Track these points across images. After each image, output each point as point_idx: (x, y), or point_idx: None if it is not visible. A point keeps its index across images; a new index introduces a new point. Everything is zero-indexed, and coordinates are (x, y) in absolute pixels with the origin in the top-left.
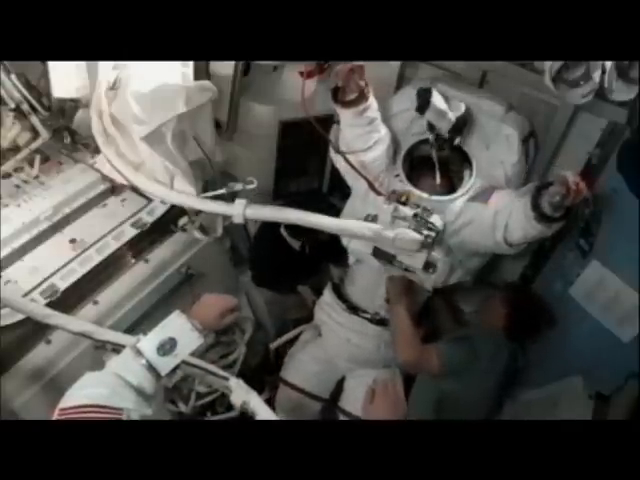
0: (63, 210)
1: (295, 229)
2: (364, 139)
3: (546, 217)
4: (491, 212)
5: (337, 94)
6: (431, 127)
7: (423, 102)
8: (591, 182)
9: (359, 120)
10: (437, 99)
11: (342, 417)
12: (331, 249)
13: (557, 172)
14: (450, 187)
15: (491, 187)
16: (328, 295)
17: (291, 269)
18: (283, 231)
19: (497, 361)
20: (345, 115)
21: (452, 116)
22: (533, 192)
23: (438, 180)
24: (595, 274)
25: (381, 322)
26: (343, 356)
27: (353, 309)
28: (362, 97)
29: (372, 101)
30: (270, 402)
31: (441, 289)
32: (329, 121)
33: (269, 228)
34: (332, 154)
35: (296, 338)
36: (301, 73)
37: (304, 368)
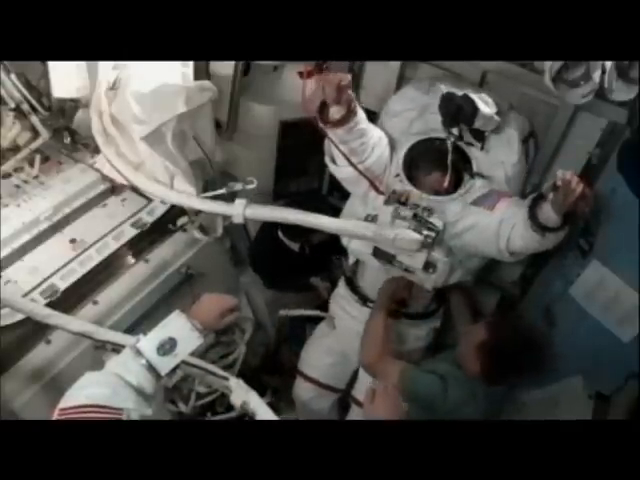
0: (63, 210)
1: (292, 232)
2: (360, 151)
3: (542, 226)
4: (496, 220)
5: (323, 113)
6: (460, 136)
7: (470, 111)
8: (588, 183)
9: (351, 136)
10: (481, 105)
11: (354, 406)
12: (332, 247)
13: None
14: (450, 187)
15: (497, 192)
16: (342, 287)
17: (295, 270)
18: (280, 234)
19: (464, 409)
20: (336, 134)
21: (495, 115)
22: (531, 200)
23: (446, 183)
24: (595, 274)
25: (392, 314)
26: (357, 348)
27: (365, 301)
28: (351, 113)
29: (360, 112)
30: (272, 406)
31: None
32: None
33: (268, 231)
34: (328, 162)
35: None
36: (300, 73)
37: (319, 361)
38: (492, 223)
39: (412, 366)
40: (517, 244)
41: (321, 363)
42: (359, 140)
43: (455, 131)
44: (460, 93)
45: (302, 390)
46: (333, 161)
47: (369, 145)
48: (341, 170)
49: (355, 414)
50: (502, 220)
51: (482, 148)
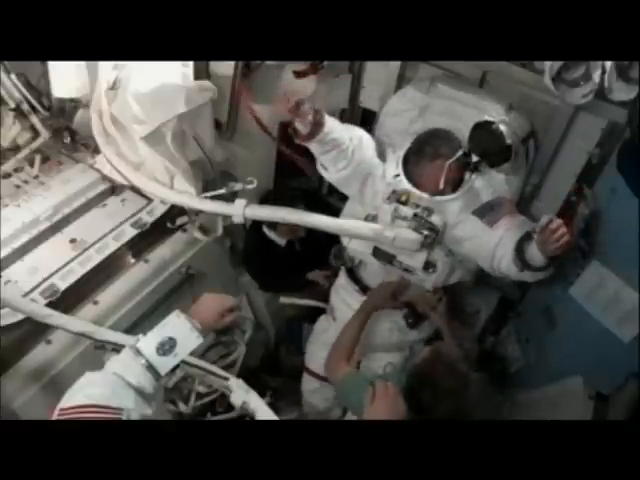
0: (63, 210)
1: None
2: (340, 158)
3: (524, 262)
4: (494, 240)
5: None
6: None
7: (504, 160)
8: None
9: (326, 146)
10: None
11: None
12: (324, 242)
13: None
14: (450, 187)
15: (501, 206)
16: (343, 278)
17: (286, 267)
18: (266, 230)
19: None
20: (311, 146)
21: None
22: (522, 235)
23: (442, 185)
24: (595, 274)
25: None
26: None
27: (365, 291)
28: (318, 126)
29: (330, 123)
30: (272, 406)
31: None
32: None
33: (255, 230)
34: (319, 168)
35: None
36: (295, 73)
37: (321, 355)
38: (490, 242)
39: (355, 371)
40: (503, 267)
41: (323, 357)
42: (335, 150)
43: (474, 158)
44: (508, 139)
45: (307, 384)
46: (324, 167)
47: (348, 152)
48: (331, 175)
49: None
50: (500, 241)
51: (471, 175)
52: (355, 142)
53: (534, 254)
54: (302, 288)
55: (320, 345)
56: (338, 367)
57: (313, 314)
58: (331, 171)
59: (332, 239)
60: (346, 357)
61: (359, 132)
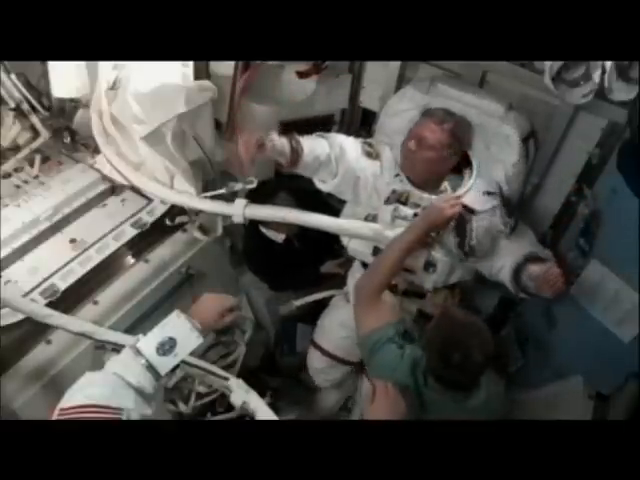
0: (63, 210)
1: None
2: (327, 173)
3: (520, 284)
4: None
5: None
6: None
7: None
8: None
9: (312, 166)
10: None
11: (365, 380)
12: (324, 236)
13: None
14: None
15: None
16: (357, 263)
17: (288, 264)
18: (263, 229)
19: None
20: (299, 171)
21: None
22: (520, 259)
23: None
24: (595, 274)
25: (405, 293)
26: None
27: None
28: (294, 154)
29: (307, 143)
30: (272, 406)
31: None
32: (329, 121)
33: (253, 229)
34: (315, 181)
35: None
36: (298, 73)
37: (333, 333)
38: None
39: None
40: (500, 277)
41: (334, 336)
42: (322, 167)
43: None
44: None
45: (315, 361)
46: (321, 181)
47: (332, 163)
48: (328, 187)
49: (366, 385)
50: (500, 252)
51: (471, 174)
52: (336, 150)
53: (529, 283)
54: (314, 284)
55: (333, 323)
56: (370, 301)
57: (309, 314)
58: (328, 182)
59: (330, 234)
60: (384, 285)
61: (338, 139)
